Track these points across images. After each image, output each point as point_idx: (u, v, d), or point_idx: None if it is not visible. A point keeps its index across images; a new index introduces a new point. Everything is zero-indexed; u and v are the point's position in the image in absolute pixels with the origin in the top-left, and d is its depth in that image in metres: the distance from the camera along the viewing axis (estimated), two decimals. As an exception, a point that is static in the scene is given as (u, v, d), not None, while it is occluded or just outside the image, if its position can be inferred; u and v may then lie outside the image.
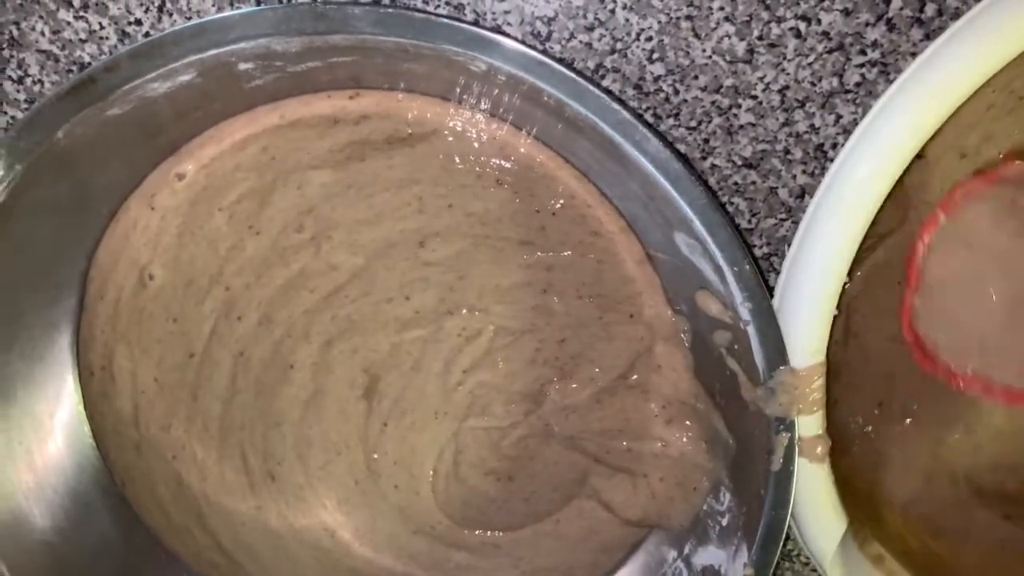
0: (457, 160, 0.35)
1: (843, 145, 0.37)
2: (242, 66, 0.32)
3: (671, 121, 0.37)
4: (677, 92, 0.37)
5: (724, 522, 0.37)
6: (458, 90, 0.33)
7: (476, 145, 0.35)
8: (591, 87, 0.30)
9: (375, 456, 0.40)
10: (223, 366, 0.39)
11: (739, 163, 0.38)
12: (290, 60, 0.32)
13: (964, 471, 0.38)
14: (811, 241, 0.31)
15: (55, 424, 0.39)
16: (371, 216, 0.36)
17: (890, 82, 0.36)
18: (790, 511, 0.33)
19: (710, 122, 0.37)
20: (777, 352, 0.32)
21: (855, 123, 0.37)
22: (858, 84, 0.36)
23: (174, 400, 0.39)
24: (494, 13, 0.36)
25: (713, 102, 0.37)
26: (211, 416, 0.39)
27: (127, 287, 0.38)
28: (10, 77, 0.39)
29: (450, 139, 0.35)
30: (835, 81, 0.36)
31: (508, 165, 0.35)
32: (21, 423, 0.37)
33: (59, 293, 0.38)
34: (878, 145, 0.30)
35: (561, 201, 0.35)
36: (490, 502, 0.41)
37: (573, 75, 0.30)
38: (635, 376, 0.38)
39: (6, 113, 0.40)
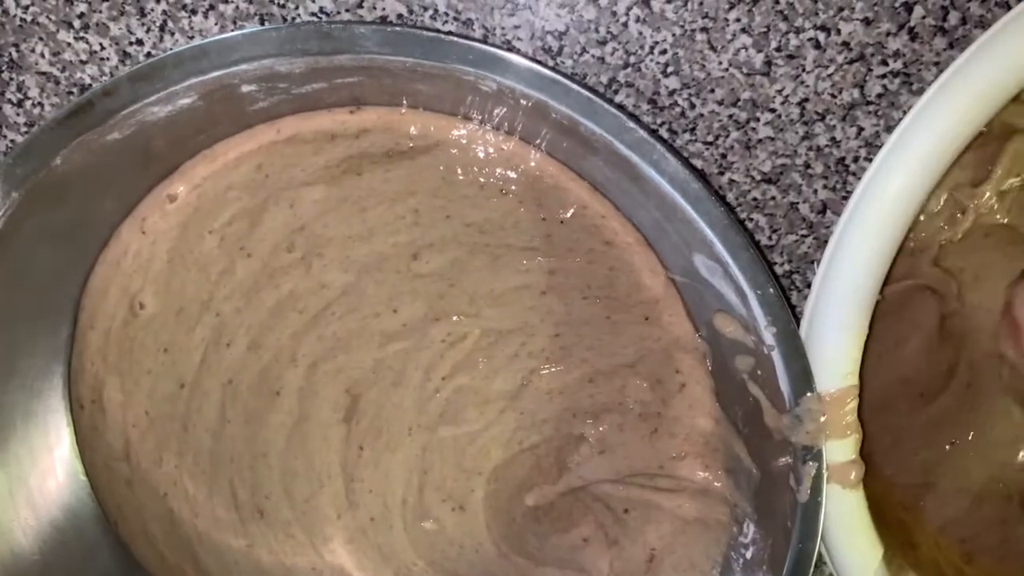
0: (459, 172, 0.34)
1: (866, 158, 0.36)
2: (245, 88, 0.31)
3: (687, 136, 0.36)
4: (693, 106, 0.36)
5: (748, 555, 0.35)
6: (465, 107, 0.32)
7: (481, 156, 0.34)
8: (606, 105, 0.29)
9: (353, 484, 0.39)
10: (212, 395, 0.38)
11: (758, 178, 0.37)
12: (295, 82, 0.31)
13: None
14: (841, 259, 0.30)
15: (54, 459, 0.38)
16: (363, 231, 0.36)
17: (913, 93, 0.35)
18: (819, 543, 0.32)
19: (727, 136, 0.36)
20: (803, 377, 0.31)
21: (877, 136, 0.36)
22: (880, 95, 0.35)
23: (165, 433, 0.38)
24: (503, 28, 0.35)
25: (730, 116, 0.36)
26: (202, 449, 0.38)
27: (118, 316, 0.37)
28: (9, 100, 0.38)
29: (454, 151, 0.34)
30: (856, 93, 0.35)
31: (514, 175, 0.34)
32: (20, 457, 0.36)
33: (56, 323, 0.37)
34: (910, 158, 0.29)
35: (572, 211, 0.34)
36: (453, 544, 0.39)
37: (587, 93, 0.29)
38: (656, 393, 0.37)
39: (5, 137, 0.39)
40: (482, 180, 0.34)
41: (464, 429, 0.38)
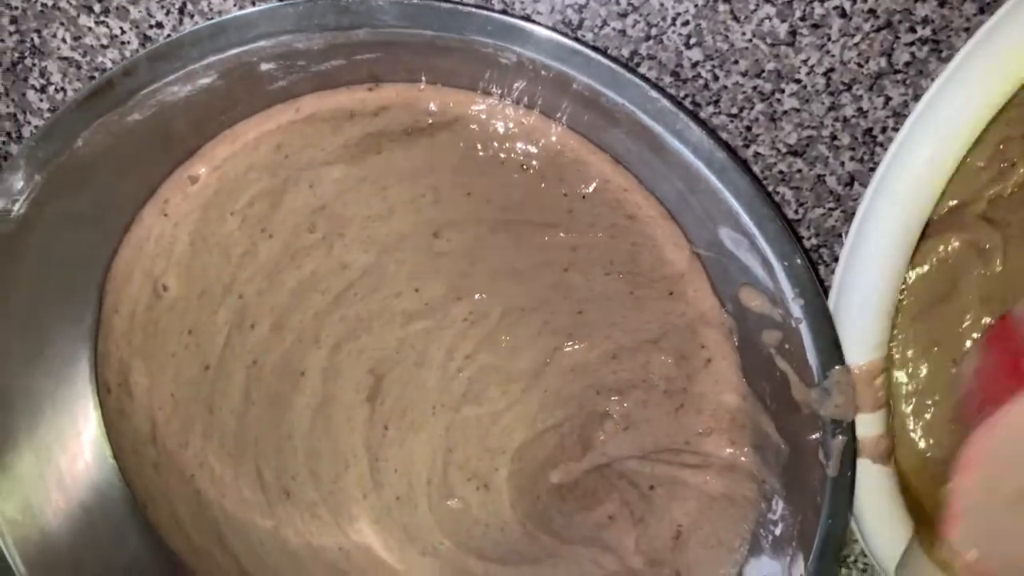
0: (479, 148, 0.34)
1: (894, 129, 0.36)
2: (264, 67, 0.31)
3: (711, 109, 0.36)
4: (716, 78, 0.35)
5: (777, 531, 0.35)
6: (484, 82, 0.32)
7: (501, 132, 0.34)
8: (628, 75, 0.28)
9: (378, 464, 0.39)
10: (237, 377, 0.38)
11: (784, 151, 0.36)
12: (313, 59, 0.31)
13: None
14: (869, 230, 0.29)
15: (83, 442, 0.38)
16: (384, 210, 0.35)
17: (942, 60, 0.34)
18: (850, 519, 0.32)
19: (752, 108, 0.36)
20: (832, 350, 0.30)
21: (905, 105, 0.35)
22: (908, 64, 0.35)
23: (190, 416, 0.38)
24: (523, 1, 0.34)
25: (755, 87, 0.35)
26: (227, 431, 0.38)
27: (142, 300, 0.37)
28: (33, 86, 0.38)
29: (473, 127, 0.34)
30: (883, 61, 0.34)
31: (535, 150, 0.34)
32: (49, 441, 0.37)
33: (81, 308, 0.37)
34: (938, 126, 0.28)
35: (594, 185, 0.34)
36: (478, 523, 0.39)
37: (609, 63, 0.28)
38: (681, 369, 0.36)
39: (30, 123, 0.39)
40: (502, 156, 0.34)
41: (487, 408, 0.38)
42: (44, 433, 0.37)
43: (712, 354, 0.36)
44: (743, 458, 0.36)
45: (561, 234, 0.35)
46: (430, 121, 0.34)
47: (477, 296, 0.36)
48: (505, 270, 0.36)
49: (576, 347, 0.37)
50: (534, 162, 0.34)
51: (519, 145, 0.34)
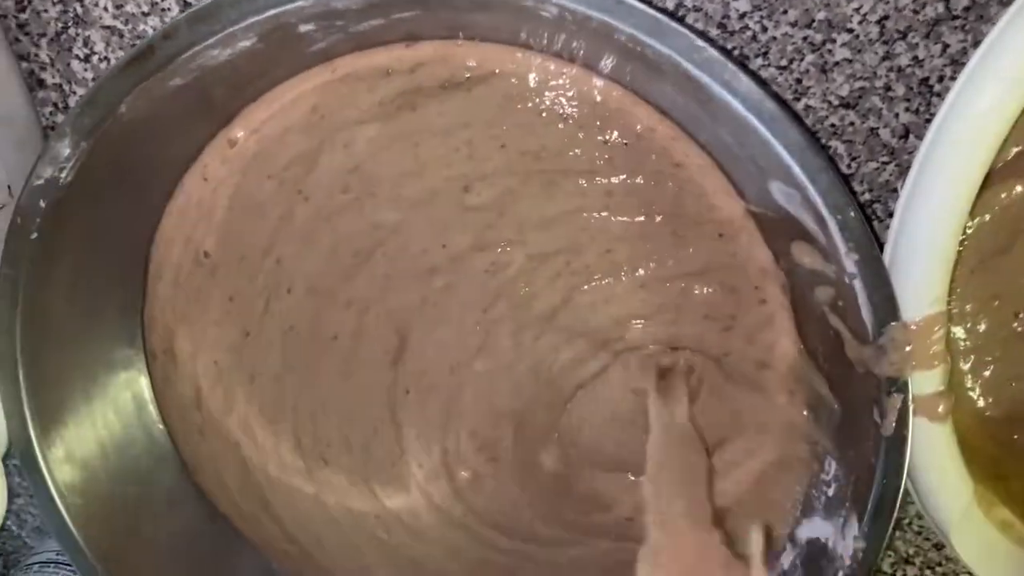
0: (517, 101, 0.33)
1: (951, 78, 0.34)
2: (302, 28, 0.31)
3: (760, 61, 0.35)
4: (765, 29, 0.34)
5: (830, 492, 0.34)
6: (524, 36, 0.31)
7: (541, 85, 0.33)
8: (673, 24, 0.27)
9: (402, 431, 0.39)
10: (275, 343, 0.38)
11: (836, 103, 0.35)
12: (351, 19, 0.31)
13: None
14: (927, 181, 0.28)
15: (135, 409, 0.39)
16: (416, 167, 0.35)
17: (1003, 3, 0.33)
18: (904, 479, 0.31)
19: (802, 60, 0.34)
20: (887, 306, 0.29)
21: (964, 53, 0.34)
22: (967, 8, 0.33)
23: (232, 382, 0.38)
24: (563, -45, 0.34)
25: (805, 38, 0.34)
26: (267, 398, 0.38)
27: (184, 266, 0.37)
28: (77, 56, 0.38)
29: (512, 80, 0.33)
30: (941, 7, 0.33)
31: (576, 102, 0.33)
32: (103, 408, 0.38)
33: (129, 275, 0.37)
34: (1000, 72, 0.27)
35: (637, 133, 0.33)
36: (495, 497, 0.39)
37: (654, 12, 0.27)
38: (729, 299, 0.34)
39: (75, 93, 0.39)
40: (542, 109, 0.33)
41: (499, 362, 0.37)
42: (98, 399, 0.37)
43: (767, 296, 0.34)
44: (799, 414, 0.35)
45: (598, 179, 0.34)
46: (467, 76, 0.33)
47: (499, 248, 0.35)
48: (533, 219, 0.35)
49: (602, 282, 0.35)
50: (574, 112, 0.33)
51: (559, 98, 0.33)
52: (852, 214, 0.28)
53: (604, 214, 0.34)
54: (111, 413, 0.38)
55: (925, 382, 0.30)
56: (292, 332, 0.38)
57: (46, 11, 0.37)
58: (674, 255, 0.34)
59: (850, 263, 0.29)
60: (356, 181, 0.35)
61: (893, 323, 0.29)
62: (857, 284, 0.29)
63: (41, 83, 0.39)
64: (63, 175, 0.32)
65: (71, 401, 0.36)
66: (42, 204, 0.32)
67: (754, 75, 0.28)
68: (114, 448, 0.38)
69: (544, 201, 0.35)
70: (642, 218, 0.34)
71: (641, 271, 0.35)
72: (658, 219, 0.34)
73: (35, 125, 0.39)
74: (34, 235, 0.32)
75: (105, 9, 0.37)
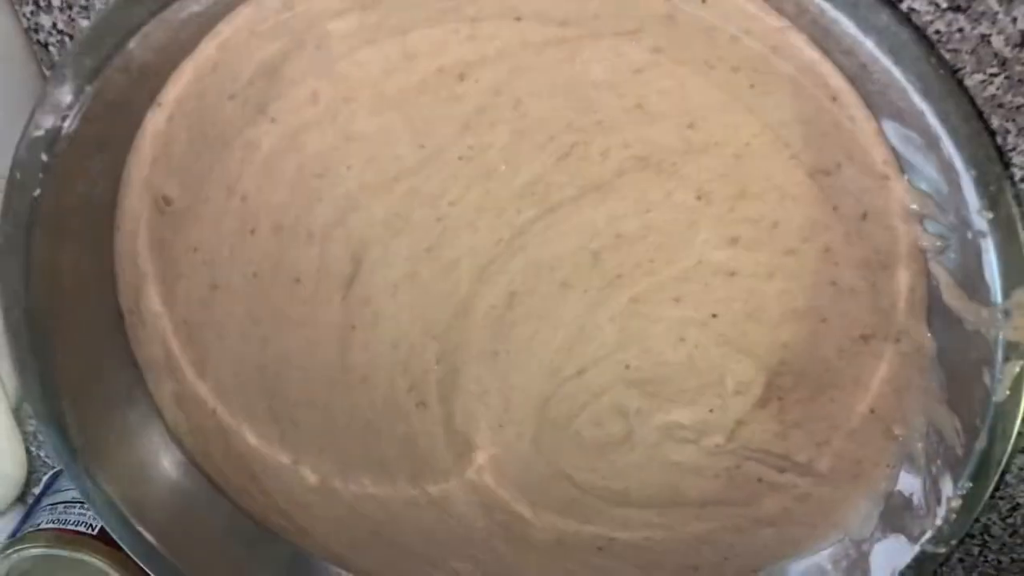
0: None
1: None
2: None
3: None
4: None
5: (920, 446, 0.32)
6: None
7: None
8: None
9: (349, 383, 0.34)
10: (240, 294, 0.33)
11: (944, 5, 0.31)
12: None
13: None
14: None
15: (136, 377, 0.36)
16: (401, 59, 0.28)
17: None
18: (1011, 446, 0.29)
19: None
20: (1018, 267, 0.26)
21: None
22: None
23: (204, 343, 0.34)
24: None
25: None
26: (235, 358, 0.34)
27: (143, 215, 0.32)
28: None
29: None
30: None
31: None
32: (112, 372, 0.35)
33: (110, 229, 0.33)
34: None
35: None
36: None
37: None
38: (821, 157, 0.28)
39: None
40: None
41: (450, 255, 0.31)
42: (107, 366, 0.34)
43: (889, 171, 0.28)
44: (921, 345, 0.31)
45: (643, 38, 0.27)
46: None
47: (485, 127, 0.29)
48: (540, 90, 0.28)
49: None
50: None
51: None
52: (996, 170, 0.25)
53: (644, 72, 0.28)
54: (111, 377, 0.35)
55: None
56: (256, 279, 0.33)
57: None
58: (750, 104, 0.29)
59: (979, 220, 0.26)
60: (328, 86, 0.29)
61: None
62: (985, 243, 0.26)
63: (38, 28, 0.34)
64: (66, 124, 0.27)
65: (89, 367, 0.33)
66: (44, 158, 0.28)
67: (894, 6, 0.24)
68: (120, 421, 0.35)
69: (556, 69, 0.28)
70: (702, 72, 0.28)
71: (678, 123, 0.29)
72: (730, 72, 0.28)
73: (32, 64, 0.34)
74: (36, 191, 0.28)
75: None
